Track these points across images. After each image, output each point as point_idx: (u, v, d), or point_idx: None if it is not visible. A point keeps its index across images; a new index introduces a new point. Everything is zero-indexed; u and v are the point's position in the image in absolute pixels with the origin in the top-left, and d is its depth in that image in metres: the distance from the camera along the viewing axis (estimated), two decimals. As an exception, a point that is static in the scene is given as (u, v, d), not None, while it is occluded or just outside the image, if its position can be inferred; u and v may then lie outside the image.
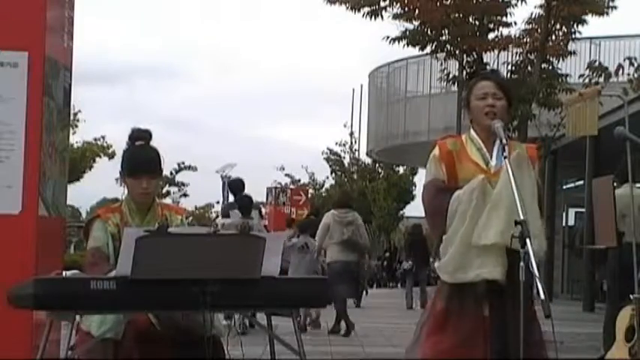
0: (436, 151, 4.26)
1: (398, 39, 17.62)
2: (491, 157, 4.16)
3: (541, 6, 17.45)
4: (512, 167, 3.93)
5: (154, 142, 4.42)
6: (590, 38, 21.39)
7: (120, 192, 34.38)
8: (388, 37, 17.69)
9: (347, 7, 17.38)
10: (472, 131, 4.26)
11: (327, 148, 39.55)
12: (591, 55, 20.51)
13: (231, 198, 12.14)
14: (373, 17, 17.29)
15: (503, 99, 4.21)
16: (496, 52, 18.08)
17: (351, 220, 11.52)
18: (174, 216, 4.47)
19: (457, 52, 17.59)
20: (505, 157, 3.96)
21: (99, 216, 4.37)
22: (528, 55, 17.74)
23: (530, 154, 4.25)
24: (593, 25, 20.85)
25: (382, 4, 17.19)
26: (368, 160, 38.21)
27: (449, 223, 4.07)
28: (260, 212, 12.15)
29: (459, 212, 4.03)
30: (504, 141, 4.02)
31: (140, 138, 4.36)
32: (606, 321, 8.05)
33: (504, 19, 17.65)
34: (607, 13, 17.38)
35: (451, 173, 4.18)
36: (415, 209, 41.45)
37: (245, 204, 10.95)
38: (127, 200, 4.40)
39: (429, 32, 17.47)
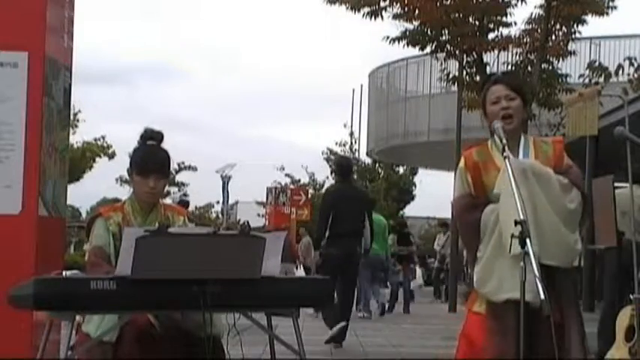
0: (462, 163, 4.26)
1: (398, 39, 17.59)
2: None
3: (541, 6, 17.41)
4: (533, 179, 3.96)
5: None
6: (590, 38, 21.37)
7: (120, 192, 34.43)
8: (388, 37, 17.67)
9: (347, 7, 17.34)
10: (495, 136, 4.19)
11: (327, 148, 39.35)
12: (591, 55, 20.51)
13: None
14: (373, 17, 17.26)
15: (518, 98, 4.20)
16: (496, 52, 18.05)
17: None
18: (177, 217, 4.48)
19: (457, 52, 17.55)
20: (505, 157, 3.94)
21: (100, 214, 4.38)
22: (528, 55, 17.71)
23: (557, 149, 4.21)
24: (593, 25, 20.91)
25: (382, 4, 17.15)
26: (368, 160, 38.17)
27: (482, 241, 4.05)
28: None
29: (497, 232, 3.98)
30: (504, 141, 4.00)
31: (152, 138, 4.41)
32: (602, 320, 8.03)
33: (504, 19, 17.61)
34: (607, 13, 17.34)
35: (478, 184, 4.17)
36: (415, 209, 41.54)
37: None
38: (131, 200, 4.42)
39: (429, 32, 17.42)
